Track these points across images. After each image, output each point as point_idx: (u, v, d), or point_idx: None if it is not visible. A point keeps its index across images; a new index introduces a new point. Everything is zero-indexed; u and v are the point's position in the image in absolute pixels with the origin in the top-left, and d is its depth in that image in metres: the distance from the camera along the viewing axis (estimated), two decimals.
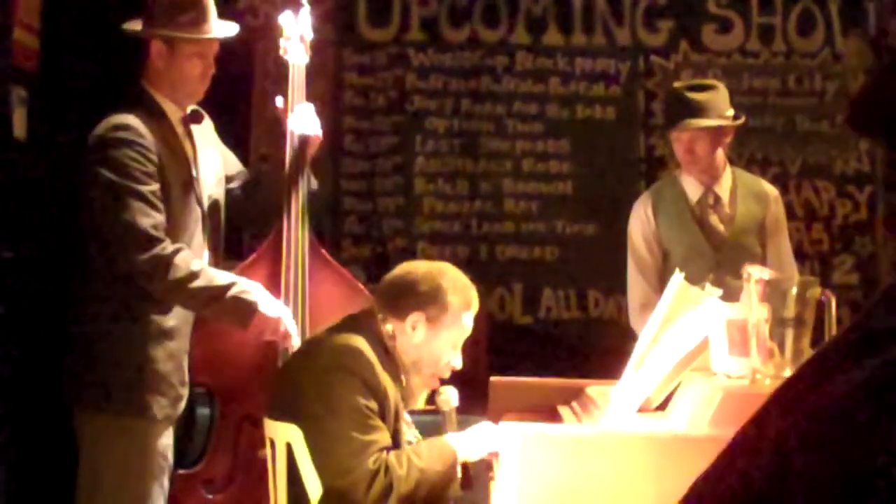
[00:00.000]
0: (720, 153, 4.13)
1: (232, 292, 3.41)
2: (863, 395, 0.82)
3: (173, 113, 3.56)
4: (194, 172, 3.55)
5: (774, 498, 0.84)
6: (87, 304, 3.46)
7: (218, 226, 3.66)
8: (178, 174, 3.49)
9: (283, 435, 2.98)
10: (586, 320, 5.88)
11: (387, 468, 2.88)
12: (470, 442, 3.01)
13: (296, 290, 3.64)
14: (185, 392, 3.50)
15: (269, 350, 3.55)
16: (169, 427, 3.46)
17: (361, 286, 3.77)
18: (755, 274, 2.67)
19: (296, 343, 3.51)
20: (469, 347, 3.18)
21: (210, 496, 3.61)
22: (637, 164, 5.96)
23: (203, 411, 3.70)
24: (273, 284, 3.61)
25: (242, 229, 4.80)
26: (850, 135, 5.63)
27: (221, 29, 3.59)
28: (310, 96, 3.80)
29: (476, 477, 3.06)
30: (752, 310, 2.63)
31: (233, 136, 4.31)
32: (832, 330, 2.59)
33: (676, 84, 4.28)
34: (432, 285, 3.08)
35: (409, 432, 3.16)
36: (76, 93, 4.43)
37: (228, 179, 3.76)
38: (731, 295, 2.82)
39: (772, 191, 4.24)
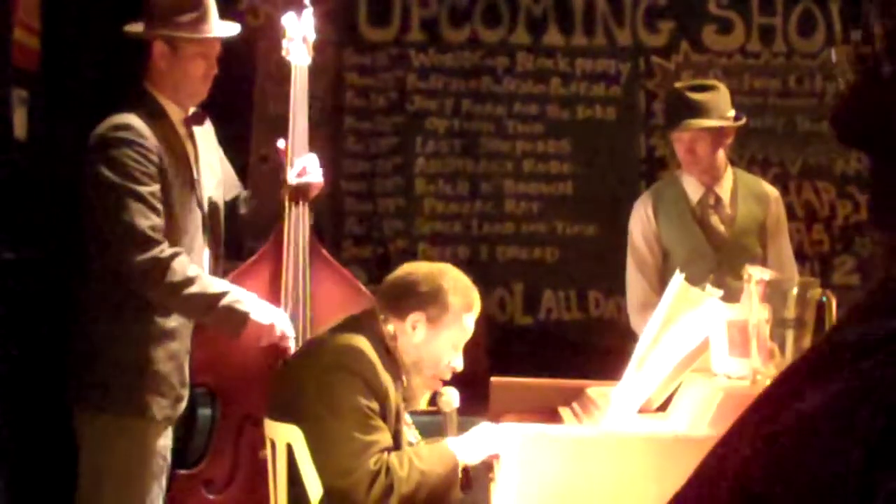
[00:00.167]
0: (721, 154, 4.13)
1: (224, 301, 3.41)
2: (830, 414, 0.79)
3: (175, 114, 3.56)
4: (195, 174, 3.55)
5: None
6: (88, 304, 3.46)
7: (218, 227, 3.66)
8: (179, 175, 3.49)
9: (284, 436, 2.98)
10: (587, 321, 5.87)
11: (388, 469, 2.88)
12: (471, 445, 3.01)
13: (297, 291, 3.64)
14: (185, 393, 3.50)
15: (271, 351, 3.55)
16: (168, 427, 3.47)
17: (362, 287, 3.77)
18: (756, 275, 2.67)
19: (293, 345, 3.52)
20: (469, 348, 3.18)
21: (210, 496, 3.61)
22: (638, 164, 5.95)
23: (204, 412, 3.71)
24: (274, 286, 3.62)
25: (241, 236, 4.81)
26: None
27: (223, 29, 3.59)
28: (310, 97, 3.80)
29: (476, 478, 3.06)
30: (753, 310, 2.63)
31: (233, 136, 4.31)
32: None
33: (677, 84, 4.28)
34: (433, 285, 3.08)
35: (410, 433, 3.16)
36: (76, 93, 4.43)
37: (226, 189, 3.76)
38: (731, 296, 2.83)
39: (772, 191, 4.24)
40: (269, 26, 4.94)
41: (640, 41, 5.99)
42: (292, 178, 3.69)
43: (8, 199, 4.01)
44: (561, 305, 5.89)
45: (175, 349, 3.46)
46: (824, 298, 2.62)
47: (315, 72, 3.92)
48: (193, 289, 3.37)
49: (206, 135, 3.67)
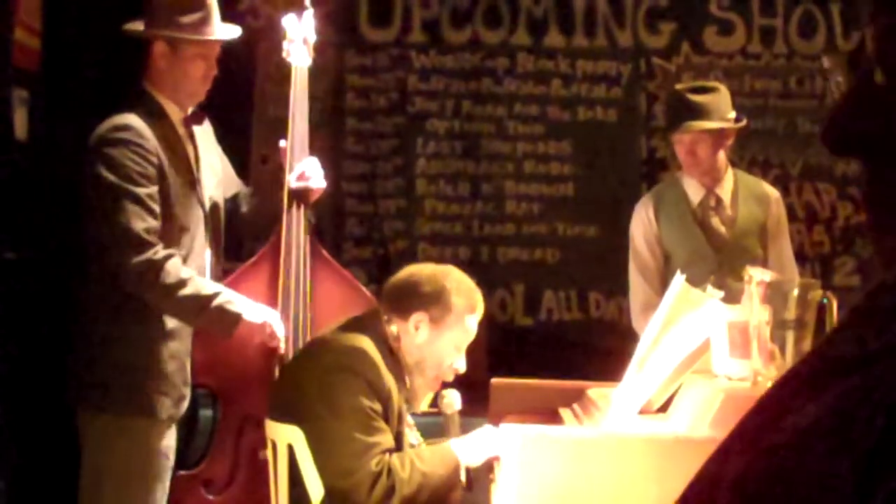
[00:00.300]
0: (722, 155, 4.13)
1: (216, 302, 3.41)
2: (829, 418, 0.79)
3: (175, 114, 3.56)
4: (196, 173, 3.55)
5: None
6: (89, 304, 3.46)
7: (219, 227, 3.66)
8: (179, 175, 3.48)
9: (285, 436, 2.98)
10: (587, 322, 5.88)
11: (389, 470, 2.87)
12: (472, 446, 3.01)
13: (297, 292, 3.64)
14: (187, 392, 3.50)
15: (272, 352, 3.55)
16: (172, 427, 3.47)
17: (363, 288, 3.77)
18: (756, 276, 2.66)
19: (283, 345, 3.52)
20: (470, 349, 3.18)
21: (211, 497, 3.61)
22: (638, 166, 5.96)
23: (205, 412, 3.71)
24: (274, 287, 3.62)
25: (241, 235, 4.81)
26: None
27: (225, 31, 3.59)
28: (311, 98, 3.80)
29: (477, 479, 3.06)
30: (754, 312, 2.63)
31: (233, 138, 4.31)
32: None
33: (678, 86, 4.27)
34: (436, 286, 3.08)
35: (412, 434, 3.16)
36: (76, 93, 4.43)
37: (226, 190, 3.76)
38: (732, 297, 2.82)
39: (773, 193, 4.24)
40: (269, 27, 4.94)
41: (640, 42, 6.00)
42: (292, 181, 3.69)
43: (8, 199, 4.01)
44: (561, 306, 5.89)
45: (176, 349, 3.46)
46: (825, 300, 2.62)
47: (316, 73, 3.92)
48: (186, 290, 3.37)
49: (205, 134, 3.67)
